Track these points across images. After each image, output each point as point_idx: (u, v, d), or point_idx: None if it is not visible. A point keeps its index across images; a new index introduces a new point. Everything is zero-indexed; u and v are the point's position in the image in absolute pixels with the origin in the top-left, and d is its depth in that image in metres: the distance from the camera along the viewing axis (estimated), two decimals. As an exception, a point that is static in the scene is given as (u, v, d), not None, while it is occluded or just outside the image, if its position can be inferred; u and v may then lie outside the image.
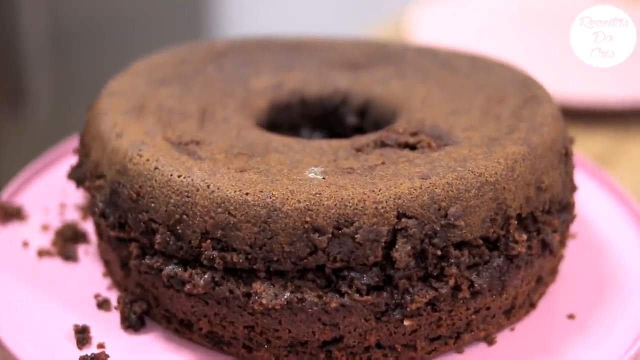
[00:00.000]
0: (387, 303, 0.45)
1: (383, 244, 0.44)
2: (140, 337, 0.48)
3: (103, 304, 0.50)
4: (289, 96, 0.55)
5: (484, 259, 0.46)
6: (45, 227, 0.56)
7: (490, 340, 0.49)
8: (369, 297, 0.45)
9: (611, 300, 0.52)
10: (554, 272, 0.52)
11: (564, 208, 0.51)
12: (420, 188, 0.44)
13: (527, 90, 0.53)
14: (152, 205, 0.45)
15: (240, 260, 0.44)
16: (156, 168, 0.46)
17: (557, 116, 0.52)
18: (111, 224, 0.48)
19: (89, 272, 0.53)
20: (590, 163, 0.62)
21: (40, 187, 0.59)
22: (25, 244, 0.54)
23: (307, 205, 0.44)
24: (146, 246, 0.47)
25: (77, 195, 0.57)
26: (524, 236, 0.47)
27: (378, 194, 0.44)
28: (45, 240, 0.55)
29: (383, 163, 0.47)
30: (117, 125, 0.50)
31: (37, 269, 0.52)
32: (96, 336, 0.48)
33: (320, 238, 0.43)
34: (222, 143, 0.49)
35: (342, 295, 0.45)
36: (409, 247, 0.44)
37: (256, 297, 0.44)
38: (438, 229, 0.44)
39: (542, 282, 0.51)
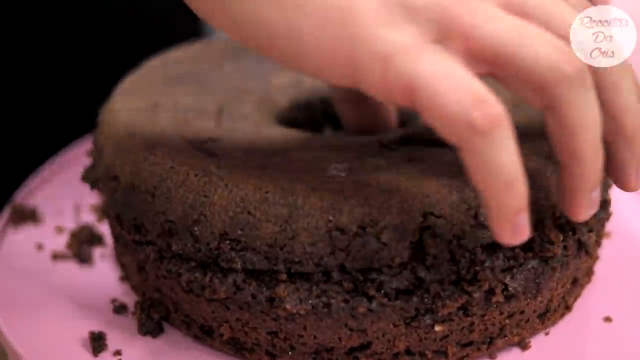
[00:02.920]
0: (417, 308, 0.43)
1: (409, 244, 0.42)
2: (158, 343, 0.46)
3: (120, 309, 0.48)
4: (310, 94, 0.53)
5: (519, 262, 0.44)
6: (60, 229, 0.54)
7: (524, 346, 0.47)
8: (398, 301, 0.43)
9: (649, 302, 0.50)
10: (589, 273, 0.50)
11: (599, 206, 0.48)
12: (450, 186, 0.42)
13: None
14: (169, 206, 0.44)
15: (260, 261, 0.42)
16: (172, 167, 0.44)
17: None
18: (127, 227, 0.46)
19: (105, 276, 0.51)
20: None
21: (55, 189, 0.57)
22: (40, 247, 0.53)
23: (330, 203, 0.41)
24: (164, 249, 0.45)
25: (92, 197, 0.56)
26: (560, 237, 0.45)
27: (404, 192, 0.42)
28: (60, 242, 0.53)
29: (410, 160, 0.44)
30: (130, 123, 0.48)
31: (51, 273, 0.51)
32: (112, 343, 0.46)
33: (342, 237, 0.41)
34: (241, 140, 0.47)
35: (370, 299, 0.42)
36: (440, 243, 0.42)
37: (280, 302, 0.43)
38: (467, 229, 0.42)
39: (578, 283, 0.49)
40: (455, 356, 0.45)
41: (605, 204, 0.49)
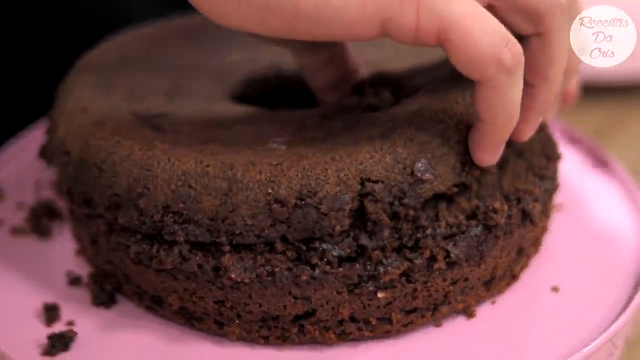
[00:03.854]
0: (360, 275, 0.44)
1: (348, 212, 0.43)
2: (111, 314, 0.48)
3: (75, 282, 0.49)
4: (266, 70, 0.54)
5: (461, 229, 0.45)
6: (20, 205, 0.55)
7: (469, 313, 0.48)
8: (341, 269, 0.44)
9: (596, 273, 0.50)
10: (536, 243, 0.51)
11: (546, 176, 0.49)
12: (382, 150, 0.43)
13: None
14: (115, 180, 0.45)
15: (203, 234, 0.43)
16: (118, 142, 0.45)
17: None
18: (77, 201, 0.47)
19: (62, 250, 0.52)
20: (584, 136, 0.60)
21: (18, 166, 0.58)
22: (0, 223, 0.54)
23: (268, 176, 0.42)
24: (112, 222, 0.46)
25: (54, 173, 0.57)
26: (505, 206, 0.45)
27: (340, 162, 0.43)
28: (21, 218, 0.54)
29: (346, 129, 0.45)
30: (83, 100, 0.49)
31: (10, 247, 0.52)
32: (66, 314, 0.47)
33: (282, 209, 0.42)
34: (189, 115, 0.48)
35: (312, 267, 0.43)
36: (381, 209, 0.43)
37: (225, 271, 0.43)
38: (406, 188, 0.43)
39: (524, 253, 0.49)
40: (399, 323, 0.46)
41: (551, 175, 0.50)
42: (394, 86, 0.48)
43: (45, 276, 0.50)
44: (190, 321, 0.47)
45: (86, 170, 0.46)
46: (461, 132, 0.44)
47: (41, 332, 0.46)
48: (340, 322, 0.45)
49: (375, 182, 0.43)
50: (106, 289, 0.48)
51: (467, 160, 0.44)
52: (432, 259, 0.44)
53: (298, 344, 0.46)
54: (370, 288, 0.44)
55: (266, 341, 0.46)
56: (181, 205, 0.43)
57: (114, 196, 0.45)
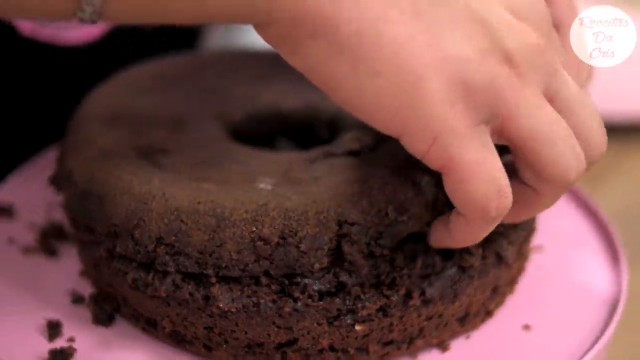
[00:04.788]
0: (339, 308, 0.47)
1: (327, 251, 0.46)
2: (109, 333, 0.51)
3: (78, 300, 0.53)
4: (265, 108, 0.57)
5: (436, 270, 0.48)
6: (32, 225, 0.58)
7: (443, 347, 0.51)
8: (322, 302, 0.47)
9: (569, 314, 0.53)
10: (512, 282, 0.54)
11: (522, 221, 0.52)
12: (359, 194, 0.46)
13: None
14: (114, 211, 0.48)
15: (192, 265, 0.46)
16: (119, 176, 0.49)
17: None
18: (81, 228, 0.50)
19: (68, 270, 0.55)
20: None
21: (32, 187, 0.61)
22: (11, 241, 0.57)
23: (253, 215, 0.46)
24: (112, 250, 0.49)
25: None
26: (480, 250, 0.49)
27: (320, 204, 0.46)
28: (31, 238, 0.57)
29: (330, 172, 0.49)
30: (91, 133, 0.52)
31: (19, 265, 0.55)
32: (68, 330, 0.51)
33: (265, 246, 0.46)
34: (188, 153, 0.51)
35: (295, 300, 0.47)
36: (356, 250, 0.46)
37: (214, 301, 0.47)
38: (382, 229, 0.46)
39: (499, 292, 0.52)
40: (376, 354, 0.49)
41: (529, 220, 0.53)
42: (374, 131, 0.51)
43: (50, 294, 0.53)
44: (181, 344, 0.50)
45: (90, 200, 0.49)
46: (432, 173, 0.47)
47: (43, 347, 0.50)
48: (321, 351, 0.49)
49: (352, 224, 0.46)
50: (106, 309, 0.51)
51: (438, 199, 0.47)
52: (408, 296, 0.48)
53: (281, 369, 0.49)
54: (348, 321, 0.48)
55: (251, 365, 0.49)
56: (173, 238, 0.47)
57: (113, 226, 0.48)
